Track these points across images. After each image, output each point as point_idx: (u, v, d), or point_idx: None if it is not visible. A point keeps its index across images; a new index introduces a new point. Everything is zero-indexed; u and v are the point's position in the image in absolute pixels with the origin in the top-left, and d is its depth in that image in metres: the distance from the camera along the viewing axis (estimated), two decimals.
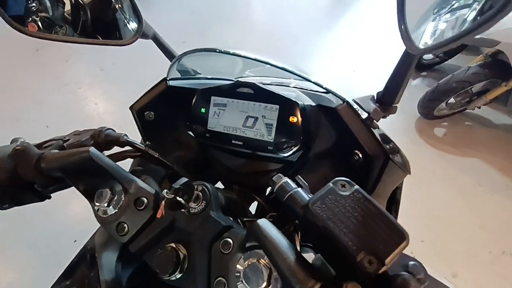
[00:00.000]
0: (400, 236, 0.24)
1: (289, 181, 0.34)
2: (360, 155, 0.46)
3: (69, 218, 1.79)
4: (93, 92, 2.63)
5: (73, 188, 0.47)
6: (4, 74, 2.74)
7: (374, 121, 0.53)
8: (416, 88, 2.55)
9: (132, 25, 0.61)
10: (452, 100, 2.12)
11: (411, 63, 0.45)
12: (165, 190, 0.39)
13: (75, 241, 1.54)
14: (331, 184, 0.28)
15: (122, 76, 2.72)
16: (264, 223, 0.30)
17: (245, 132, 0.56)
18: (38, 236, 1.72)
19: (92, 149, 0.42)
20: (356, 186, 0.27)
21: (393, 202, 0.56)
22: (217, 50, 0.50)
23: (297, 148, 0.52)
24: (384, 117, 0.57)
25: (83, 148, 0.43)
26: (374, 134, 0.46)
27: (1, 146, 0.47)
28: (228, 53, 0.50)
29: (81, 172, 0.44)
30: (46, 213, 1.75)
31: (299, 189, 0.33)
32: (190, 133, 0.62)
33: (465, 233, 1.73)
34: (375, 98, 0.55)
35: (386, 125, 0.57)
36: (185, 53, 0.56)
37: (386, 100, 0.53)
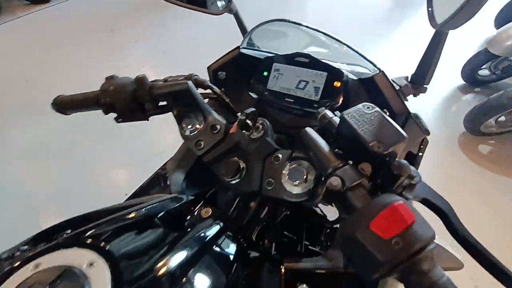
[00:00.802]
0: (400, 137, 0.36)
1: (329, 112, 0.47)
2: (387, 113, 0.57)
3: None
4: (154, 72, 2.94)
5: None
6: (79, 52, 3.13)
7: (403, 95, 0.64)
8: (465, 103, 2.49)
9: (222, 2, 0.79)
10: (502, 117, 2.06)
11: (438, 45, 0.55)
12: (239, 113, 0.54)
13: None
14: (360, 105, 0.41)
15: (180, 61, 3.00)
16: (310, 129, 0.44)
17: (296, 92, 0.70)
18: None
19: (189, 82, 0.59)
20: (377, 108, 0.40)
21: (414, 164, 0.66)
22: (288, 21, 0.64)
23: (336, 107, 0.65)
24: (414, 95, 0.68)
25: (182, 81, 0.60)
26: (401, 97, 0.57)
27: (126, 77, 0.66)
28: (298, 24, 0.65)
29: (177, 100, 0.62)
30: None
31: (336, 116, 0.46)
32: (251, 94, 0.77)
33: (494, 251, 1.70)
34: (408, 78, 0.66)
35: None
36: (259, 25, 0.72)
37: (417, 80, 0.64)
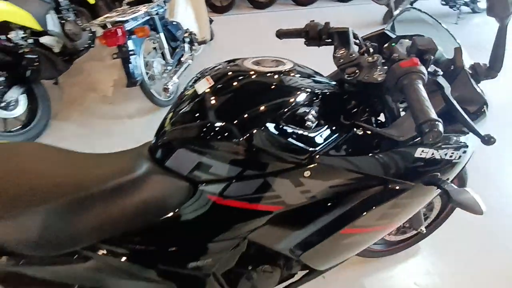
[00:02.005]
0: None
1: None
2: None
3: None
4: None
5: None
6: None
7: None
8: None
9: None
10: None
11: (501, 36, 0.66)
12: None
13: None
14: None
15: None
16: None
17: None
18: None
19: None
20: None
21: None
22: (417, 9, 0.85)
23: None
24: (485, 77, 0.75)
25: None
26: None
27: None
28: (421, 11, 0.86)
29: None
30: None
31: None
32: None
33: None
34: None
35: None
36: (399, 13, 0.96)
37: (491, 66, 0.73)
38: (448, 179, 0.79)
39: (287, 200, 0.69)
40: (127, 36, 1.85)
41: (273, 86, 0.64)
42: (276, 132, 0.61)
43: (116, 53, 1.91)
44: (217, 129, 0.61)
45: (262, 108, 0.61)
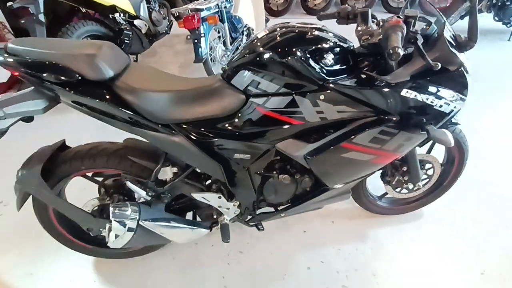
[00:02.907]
0: None
1: None
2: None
3: None
4: None
5: None
6: None
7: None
8: None
9: None
10: None
11: (473, 12, 0.93)
12: None
13: None
14: None
15: None
16: None
17: None
18: None
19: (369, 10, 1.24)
20: None
21: None
22: None
23: None
24: (465, 47, 1.02)
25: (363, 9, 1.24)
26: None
27: None
28: None
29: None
30: None
31: None
32: None
33: None
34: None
35: None
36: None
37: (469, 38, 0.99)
38: (431, 124, 1.06)
39: (306, 117, 1.02)
40: (200, 22, 2.33)
41: (306, 33, 0.99)
42: (304, 61, 0.95)
43: (190, 35, 2.40)
44: (266, 56, 0.97)
45: (296, 44, 0.96)
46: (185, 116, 1.00)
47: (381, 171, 1.46)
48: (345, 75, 1.01)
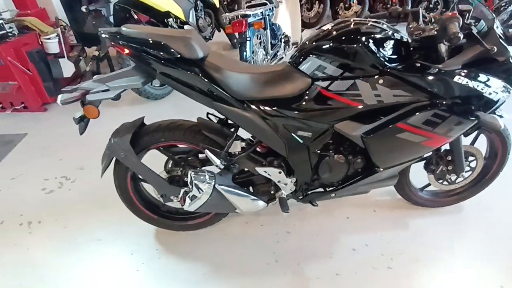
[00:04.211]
0: None
1: None
2: None
3: None
4: None
5: None
6: None
7: None
8: None
9: None
10: None
11: None
12: None
13: None
14: None
15: None
16: None
17: None
18: None
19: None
20: None
21: None
22: None
23: None
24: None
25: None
26: None
27: None
28: None
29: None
30: None
31: None
32: None
33: None
34: None
35: None
36: None
37: None
38: (480, 110, 1.16)
39: (365, 100, 1.15)
40: (248, 27, 2.54)
41: (368, 25, 1.13)
42: (368, 48, 1.09)
43: (237, 39, 2.61)
44: (333, 44, 1.11)
45: (361, 34, 1.10)
46: (259, 95, 1.16)
47: (425, 160, 1.54)
48: (400, 63, 1.13)
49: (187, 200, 1.22)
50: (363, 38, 1.08)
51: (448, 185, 1.58)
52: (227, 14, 2.62)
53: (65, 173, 2.06)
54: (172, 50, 1.06)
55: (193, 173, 1.20)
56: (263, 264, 1.44)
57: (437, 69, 1.11)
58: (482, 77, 1.11)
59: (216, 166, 1.22)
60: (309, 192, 1.42)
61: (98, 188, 1.91)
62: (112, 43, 1.09)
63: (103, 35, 1.10)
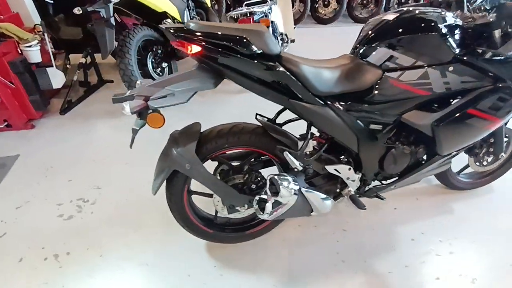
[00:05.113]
0: None
1: None
2: None
3: None
4: None
5: None
6: None
7: None
8: None
9: None
10: None
11: None
12: None
13: None
14: None
15: None
16: None
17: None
18: None
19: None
20: None
21: None
22: None
23: None
24: None
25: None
26: None
27: None
28: None
29: None
30: None
31: None
32: None
33: None
34: None
35: None
36: None
37: None
38: None
39: (434, 88, 1.15)
40: None
41: (436, 13, 1.13)
42: (441, 35, 1.08)
43: None
44: (406, 34, 1.09)
45: (432, 21, 1.09)
46: (335, 90, 1.11)
47: None
48: (463, 50, 1.15)
49: (268, 207, 1.13)
50: (438, 26, 1.08)
51: (485, 166, 1.65)
52: (231, 12, 2.53)
53: (80, 194, 1.84)
54: (254, 45, 0.97)
55: (276, 177, 1.11)
56: (331, 266, 1.39)
57: (500, 54, 1.14)
58: None
59: (295, 168, 1.14)
60: (371, 187, 1.39)
61: (125, 207, 1.72)
62: (180, 40, 0.97)
63: (169, 31, 0.98)
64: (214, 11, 3.59)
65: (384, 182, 1.40)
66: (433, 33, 1.07)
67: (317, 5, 5.24)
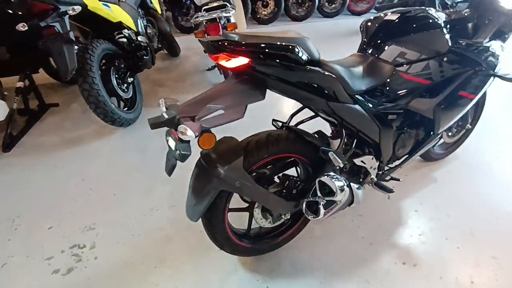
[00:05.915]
0: None
1: None
2: None
3: None
4: None
5: None
6: None
7: None
8: None
9: None
10: None
11: None
12: None
13: None
14: None
15: None
16: None
17: None
18: None
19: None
20: None
21: None
22: None
23: None
24: None
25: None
26: None
27: None
28: None
29: None
30: None
31: None
32: None
33: None
34: None
35: None
36: None
37: None
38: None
39: (433, 77, 1.33)
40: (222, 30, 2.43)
41: (431, 12, 1.30)
42: (443, 31, 1.26)
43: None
44: (414, 31, 1.24)
45: (435, 19, 1.26)
46: (363, 87, 1.19)
47: None
48: (453, 42, 1.35)
49: (321, 209, 1.15)
50: (439, 23, 1.25)
51: (454, 137, 1.96)
52: (196, 18, 2.44)
53: (72, 241, 1.57)
54: (301, 53, 0.98)
55: (328, 178, 1.14)
56: (363, 250, 1.49)
57: (478, 42, 1.37)
58: (497, 43, 1.44)
59: (336, 166, 1.19)
60: (385, 171, 1.53)
61: (133, 241, 1.54)
62: (227, 53, 0.92)
63: (211, 44, 0.92)
64: (163, 19, 3.39)
65: (391, 165, 1.55)
66: (437, 30, 1.23)
67: (256, 7, 5.38)
